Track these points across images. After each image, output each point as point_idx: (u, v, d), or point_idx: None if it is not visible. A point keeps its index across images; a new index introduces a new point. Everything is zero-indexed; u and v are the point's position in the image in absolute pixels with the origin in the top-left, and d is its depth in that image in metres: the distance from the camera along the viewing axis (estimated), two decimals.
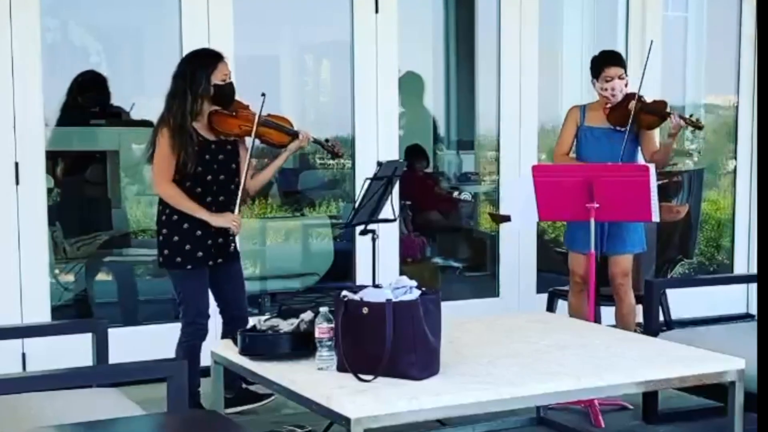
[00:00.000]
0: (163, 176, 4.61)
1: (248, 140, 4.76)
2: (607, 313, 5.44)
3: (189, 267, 4.65)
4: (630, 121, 5.18)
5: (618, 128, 5.25)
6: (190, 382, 4.34)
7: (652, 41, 5.29)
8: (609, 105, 5.30)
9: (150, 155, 4.68)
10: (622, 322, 5.30)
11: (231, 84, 4.70)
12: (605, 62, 5.32)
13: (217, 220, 4.65)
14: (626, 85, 5.31)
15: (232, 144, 4.75)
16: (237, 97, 4.76)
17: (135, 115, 6.62)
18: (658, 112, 5.22)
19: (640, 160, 5.34)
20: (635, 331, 5.08)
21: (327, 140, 5.02)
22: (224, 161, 4.71)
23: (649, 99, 5.31)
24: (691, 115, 5.25)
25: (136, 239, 6.90)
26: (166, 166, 4.59)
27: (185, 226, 4.63)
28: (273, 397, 4.91)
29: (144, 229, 6.96)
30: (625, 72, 5.33)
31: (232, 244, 4.81)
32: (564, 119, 5.51)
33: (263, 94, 4.60)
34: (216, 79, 4.63)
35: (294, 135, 4.83)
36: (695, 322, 5.91)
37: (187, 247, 4.63)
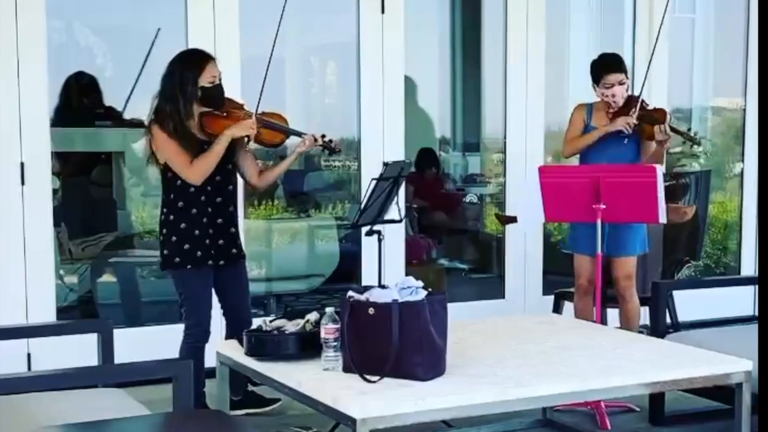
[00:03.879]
0: (182, 164, 4.54)
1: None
2: (613, 314, 5.43)
3: (189, 267, 4.61)
4: (632, 130, 5.15)
5: (621, 134, 5.22)
6: (194, 384, 4.35)
7: (657, 38, 5.20)
8: (612, 110, 5.27)
9: (149, 156, 4.65)
10: (626, 323, 5.30)
11: (219, 86, 4.63)
12: (605, 69, 5.24)
13: (237, 129, 4.57)
14: (627, 90, 5.26)
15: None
16: (235, 97, 4.75)
17: (141, 115, 6.62)
18: (656, 121, 5.14)
19: None
20: (641, 332, 5.07)
21: (331, 141, 4.88)
22: (219, 162, 4.63)
23: (651, 105, 5.26)
24: (689, 129, 5.17)
25: (141, 240, 6.90)
26: (178, 154, 4.52)
27: (182, 226, 4.60)
28: (279, 402, 4.91)
29: (149, 231, 6.97)
30: (626, 76, 5.27)
31: (234, 249, 4.75)
32: (571, 116, 5.46)
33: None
34: (204, 81, 4.57)
35: (288, 133, 4.77)
36: (702, 324, 5.89)
37: (186, 246, 4.59)
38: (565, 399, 3.65)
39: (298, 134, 4.80)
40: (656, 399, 4.76)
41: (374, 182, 4.71)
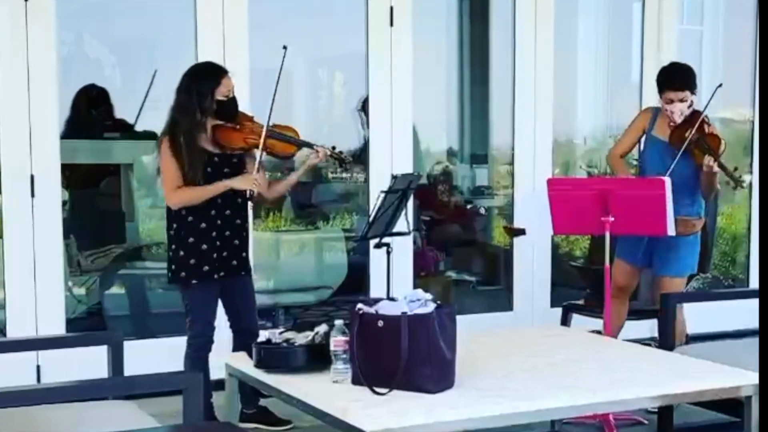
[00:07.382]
0: (169, 186, 4.59)
1: (255, 151, 4.71)
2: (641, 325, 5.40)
3: (194, 282, 4.64)
4: (683, 148, 5.02)
5: (674, 148, 5.12)
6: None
7: (720, 84, 5.10)
8: (672, 124, 5.16)
9: (158, 168, 4.69)
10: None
11: (233, 99, 4.66)
12: (666, 84, 5.11)
13: (237, 182, 4.60)
14: (690, 106, 5.11)
15: (237, 157, 4.70)
16: (244, 110, 4.75)
17: (148, 127, 6.65)
18: (708, 151, 5.02)
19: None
20: (647, 344, 5.02)
21: (341, 152, 4.90)
22: (229, 174, 4.65)
23: (713, 129, 5.09)
24: (735, 169, 5.06)
25: (149, 252, 6.91)
26: (171, 175, 4.57)
27: (190, 240, 4.62)
28: (290, 425, 4.91)
29: (158, 243, 6.98)
30: (692, 92, 5.09)
31: (235, 261, 4.73)
32: (633, 120, 5.41)
33: (285, 47, 4.55)
34: (219, 94, 4.59)
35: (300, 145, 4.78)
36: (711, 337, 5.88)
37: (192, 261, 4.62)
38: (573, 412, 3.65)
39: (310, 146, 4.79)
40: (665, 412, 4.75)
41: (383, 195, 4.72)
